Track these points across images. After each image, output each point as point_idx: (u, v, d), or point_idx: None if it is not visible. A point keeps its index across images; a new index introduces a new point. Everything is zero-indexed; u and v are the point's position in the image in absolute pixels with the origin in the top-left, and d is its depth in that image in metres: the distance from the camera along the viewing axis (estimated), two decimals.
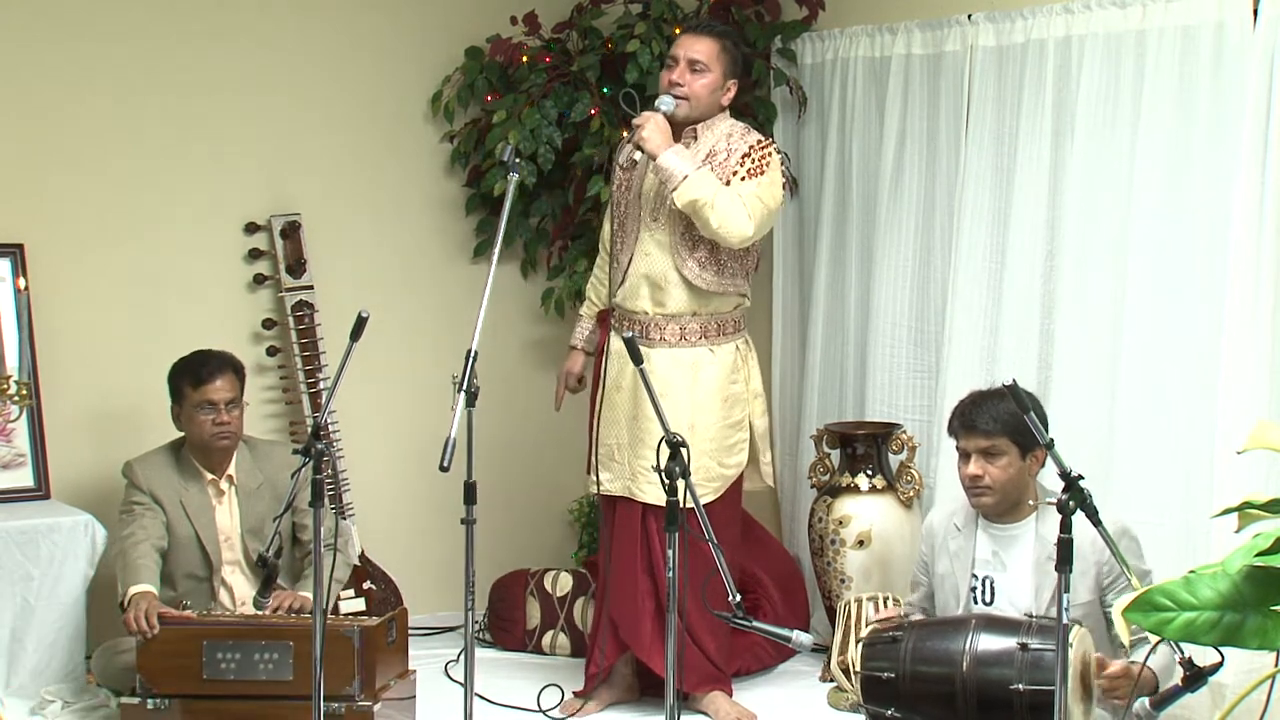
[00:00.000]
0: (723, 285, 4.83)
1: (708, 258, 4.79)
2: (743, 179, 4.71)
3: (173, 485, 4.86)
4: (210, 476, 4.90)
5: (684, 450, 3.61)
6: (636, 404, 4.81)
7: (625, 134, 4.87)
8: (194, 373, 4.84)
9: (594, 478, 4.93)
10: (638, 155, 4.70)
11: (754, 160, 4.74)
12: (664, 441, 3.62)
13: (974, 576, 4.33)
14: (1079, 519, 3.39)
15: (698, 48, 4.78)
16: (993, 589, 4.30)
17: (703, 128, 4.80)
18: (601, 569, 5.04)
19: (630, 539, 4.86)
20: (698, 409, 4.79)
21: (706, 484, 4.77)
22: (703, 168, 4.68)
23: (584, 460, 5.02)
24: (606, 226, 5.00)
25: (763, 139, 4.82)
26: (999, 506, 4.28)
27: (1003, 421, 4.19)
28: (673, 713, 3.70)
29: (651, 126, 4.67)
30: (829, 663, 5.18)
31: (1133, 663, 3.97)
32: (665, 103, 4.74)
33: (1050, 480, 3.89)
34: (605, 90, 5.65)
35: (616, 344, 4.88)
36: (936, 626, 4.15)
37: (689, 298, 4.80)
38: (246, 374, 4.96)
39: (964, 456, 4.28)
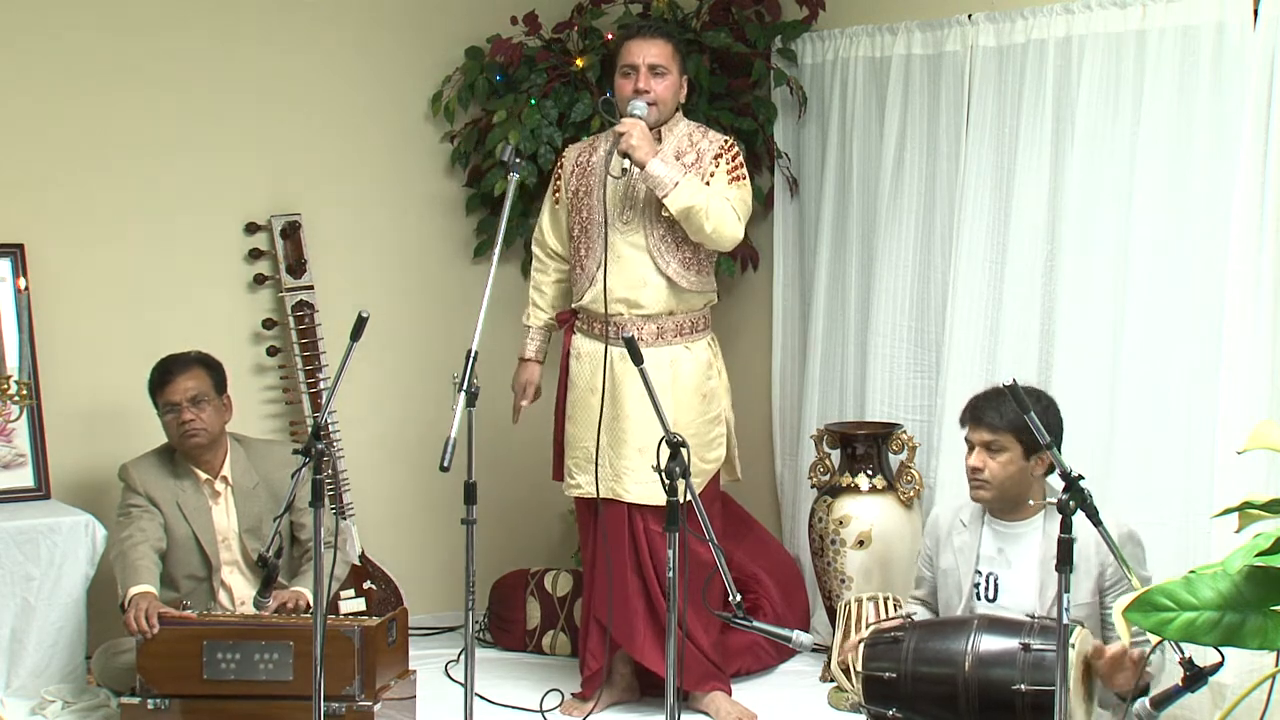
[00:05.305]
0: (702, 284, 4.90)
1: (691, 258, 4.85)
2: (728, 182, 4.79)
3: (169, 487, 4.86)
4: (205, 477, 4.90)
5: (684, 450, 3.61)
6: (616, 405, 4.83)
7: (603, 143, 4.89)
8: (157, 378, 4.86)
9: (569, 481, 4.96)
10: (626, 163, 4.72)
11: (729, 161, 4.83)
12: (664, 441, 3.62)
13: (978, 573, 4.33)
14: (1084, 520, 3.40)
15: (654, 51, 4.82)
16: (996, 586, 4.30)
17: (665, 130, 4.85)
18: (586, 571, 5.06)
19: (617, 540, 4.86)
20: (679, 406, 4.81)
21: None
22: (689, 173, 4.72)
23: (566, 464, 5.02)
24: (549, 233, 5.02)
25: (726, 138, 4.92)
26: (996, 502, 4.29)
27: (1009, 419, 4.20)
28: (673, 713, 3.70)
29: (638, 134, 4.71)
30: (829, 663, 5.18)
31: (1135, 644, 3.96)
32: (639, 108, 4.78)
33: (1058, 480, 3.90)
34: (607, 91, 5.65)
35: (588, 346, 4.91)
36: (938, 627, 4.15)
37: (667, 297, 4.84)
38: (227, 370, 4.95)
39: (970, 448, 4.30)
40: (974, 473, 4.27)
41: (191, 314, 5.48)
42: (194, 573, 4.85)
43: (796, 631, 3.68)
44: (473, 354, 3.95)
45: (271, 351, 5.59)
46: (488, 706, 4.98)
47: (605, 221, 4.83)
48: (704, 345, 4.94)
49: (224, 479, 4.92)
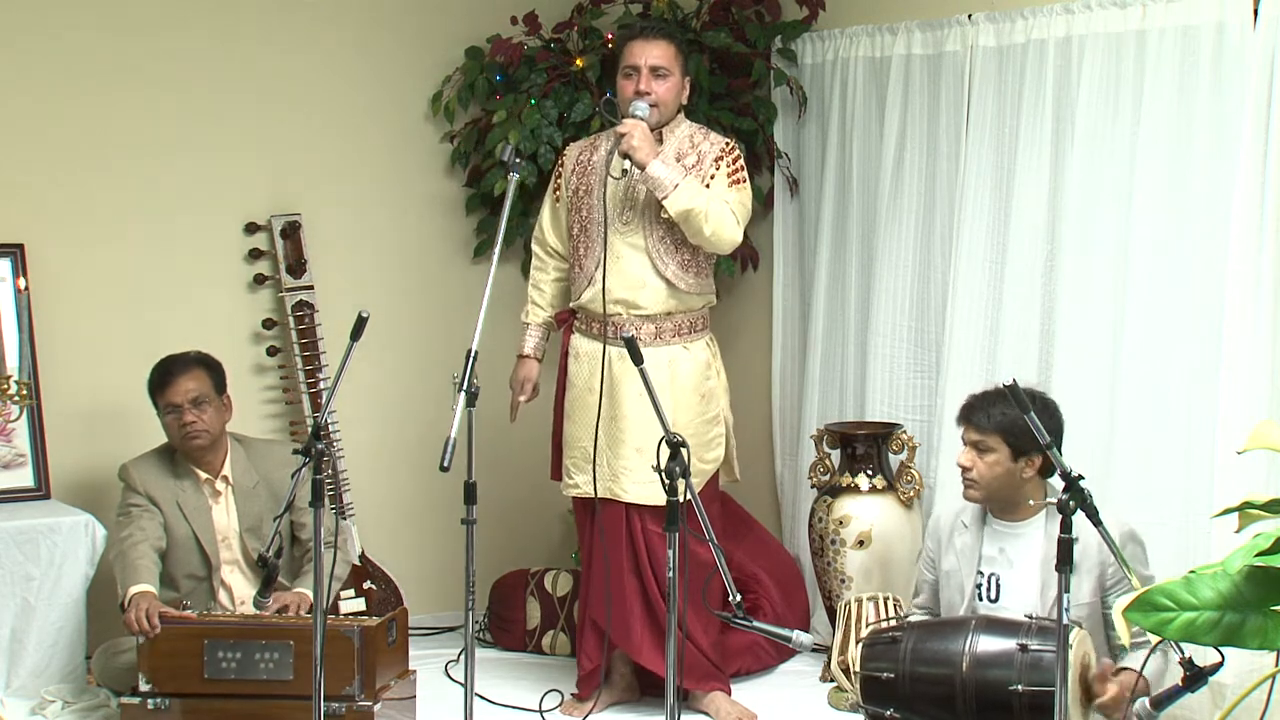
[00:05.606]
0: (700, 286, 4.90)
1: (690, 260, 4.85)
2: (728, 185, 4.79)
3: (168, 486, 4.86)
4: (205, 476, 4.90)
5: (684, 450, 3.61)
6: (614, 405, 4.83)
7: (604, 142, 4.89)
8: (157, 379, 4.85)
9: (567, 480, 4.96)
10: (626, 164, 4.72)
11: (730, 164, 4.83)
12: (664, 441, 3.62)
13: (979, 573, 4.34)
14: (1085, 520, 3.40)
15: (656, 53, 4.81)
16: (998, 586, 4.31)
17: (666, 131, 4.85)
18: (583, 571, 5.06)
19: (615, 540, 4.86)
20: (677, 407, 4.81)
21: None
22: (689, 175, 4.72)
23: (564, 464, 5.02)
24: (549, 231, 5.03)
25: (728, 141, 4.91)
26: (985, 502, 4.34)
27: (997, 421, 4.22)
28: (673, 713, 3.70)
29: (640, 135, 4.70)
30: (829, 663, 5.18)
31: (1125, 669, 3.98)
32: (641, 109, 4.77)
33: (1059, 480, 3.90)
34: (607, 91, 5.65)
35: (586, 346, 4.92)
36: (936, 627, 4.15)
37: (665, 298, 4.83)
38: (226, 370, 4.95)
39: (963, 445, 4.31)
40: (963, 471, 4.31)
41: (191, 314, 5.48)
42: (194, 572, 4.85)
43: (796, 631, 3.68)
44: (473, 354, 3.95)
45: (271, 351, 5.59)
46: (488, 706, 4.98)
47: (605, 221, 4.83)
48: (702, 345, 4.94)
49: (224, 478, 4.92)
